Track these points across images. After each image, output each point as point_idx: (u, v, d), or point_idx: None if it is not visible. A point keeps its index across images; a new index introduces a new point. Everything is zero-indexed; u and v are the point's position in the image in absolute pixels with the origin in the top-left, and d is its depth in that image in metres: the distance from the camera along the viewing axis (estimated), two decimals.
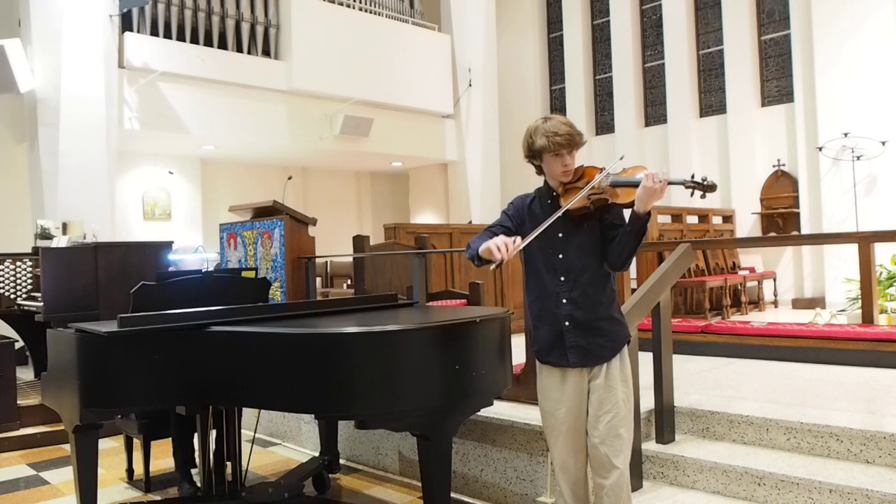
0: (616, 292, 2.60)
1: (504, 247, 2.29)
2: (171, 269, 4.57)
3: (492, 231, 2.52)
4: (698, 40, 11.41)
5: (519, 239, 2.33)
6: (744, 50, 10.62)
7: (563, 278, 2.50)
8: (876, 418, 3.30)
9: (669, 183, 2.34)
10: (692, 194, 2.42)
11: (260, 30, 9.92)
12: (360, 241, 5.67)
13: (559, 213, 2.40)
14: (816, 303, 8.81)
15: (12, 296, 6.01)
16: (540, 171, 2.58)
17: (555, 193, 2.55)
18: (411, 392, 2.73)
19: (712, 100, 11.29)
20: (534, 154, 2.51)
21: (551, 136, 2.44)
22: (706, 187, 2.37)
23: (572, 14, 12.94)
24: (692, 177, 2.42)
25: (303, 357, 2.74)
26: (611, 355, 2.50)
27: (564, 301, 2.49)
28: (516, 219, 2.59)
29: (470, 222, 10.94)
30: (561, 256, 2.51)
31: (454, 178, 12.30)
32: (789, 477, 2.95)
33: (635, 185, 2.35)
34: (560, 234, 2.50)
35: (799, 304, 9.40)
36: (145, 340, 2.93)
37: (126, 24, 8.66)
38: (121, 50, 8.48)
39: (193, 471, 4.05)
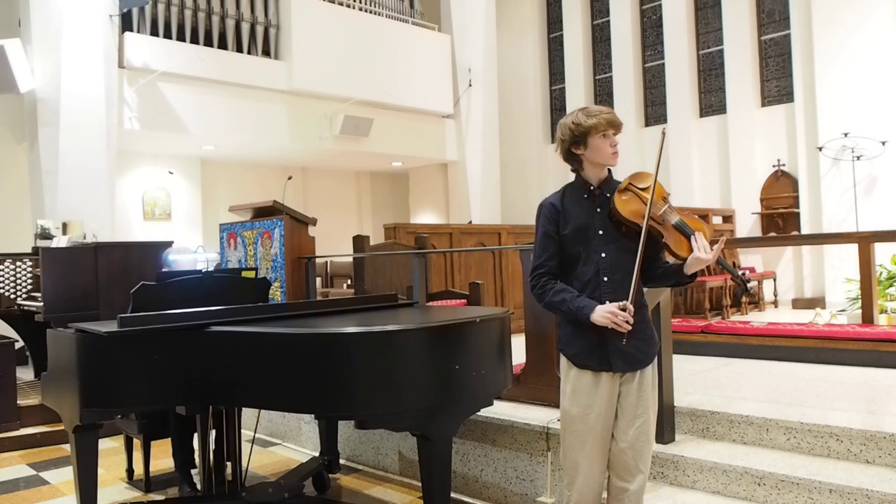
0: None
1: (621, 320, 2.29)
2: (164, 269, 4.56)
3: (547, 265, 2.47)
4: (698, 40, 11.41)
5: (629, 305, 2.31)
6: (744, 50, 10.62)
7: (606, 279, 2.41)
8: (876, 418, 3.30)
9: (718, 263, 2.42)
10: (735, 287, 2.49)
11: (260, 30, 9.92)
12: (360, 241, 5.67)
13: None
14: (816, 303, 8.80)
15: (12, 296, 6.01)
16: (577, 166, 2.50)
17: (591, 187, 2.48)
18: (411, 392, 2.73)
19: (712, 100, 11.29)
20: (578, 139, 2.43)
21: (598, 114, 2.41)
22: (746, 286, 2.45)
23: (572, 14, 12.94)
24: (734, 265, 2.46)
25: (303, 357, 2.74)
26: (650, 360, 2.47)
27: (608, 303, 2.39)
28: (554, 223, 2.48)
29: (470, 222, 10.94)
30: (604, 255, 2.43)
31: (454, 178, 12.30)
32: (789, 477, 2.95)
33: (688, 237, 2.36)
34: (601, 232, 2.44)
35: (799, 304, 9.40)
36: (145, 340, 2.92)
37: (126, 24, 8.66)
38: (121, 50, 8.48)
39: (193, 471, 4.05)
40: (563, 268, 2.50)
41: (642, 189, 2.43)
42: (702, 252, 2.29)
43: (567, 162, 2.54)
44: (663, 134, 2.65)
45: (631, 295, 2.32)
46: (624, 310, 2.31)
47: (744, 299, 8.44)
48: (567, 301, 2.41)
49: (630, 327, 2.30)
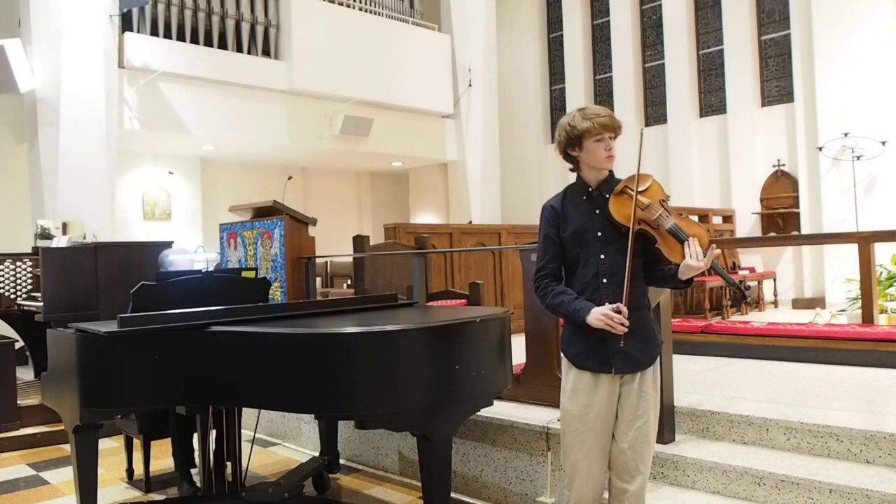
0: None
1: (616, 322, 2.29)
2: (161, 270, 4.56)
3: (548, 267, 2.48)
4: (698, 40, 11.41)
5: (623, 307, 2.30)
6: (744, 50, 10.62)
7: (605, 280, 2.41)
8: (876, 418, 3.30)
9: (713, 269, 2.39)
10: (732, 294, 2.46)
11: (260, 30, 9.92)
12: (360, 241, 5.67)
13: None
14: (816, 303, 8.80)
15: (12, 296, 6.01)
16: (575, 167, 2.51)
17: (590, 189, 2.48)
18: (411, 392, 2.73)
19: (712, 100, 11.28)
20: (573, 141, 2.42)
21: (593, 117, 2.39)
22: (744, 294, 2.41)
23: (572, 14, 12.94)
24: (734, 266, 2.45)
25: (303, 357, 2.74)
26: (651, 361, 2.46)
27: (608, 304, 2.38)
28: (554, 225, 2.49)
29: (470, 222, 10.94)
30: (603, 257, 2.42)
31: (454, 178, 12.30)
32: (789, 477, 2.95)
33: (681, 242, 2.34)
34: (599, 234, 2.43)
35: (799, 304, 9.40)
36: (145, 340, 2.93)
37: (126, 24, 8.66)
38: (121, 50, 8.48)
39: (193, 471, 4.05)
40: (566, 269, 2.51)
41: (637, 188, 2.42)
42: (693, 259, 2.26)
43: (566, 161, 2.55)
44: (641, 134, 2.64)
45: (624, 297, 2.32)
46: (619, 312, 2.30)
47: (743, 306, 8.44)
48: (565, 303, 2.42)
49: (625, 329, 2.30)
